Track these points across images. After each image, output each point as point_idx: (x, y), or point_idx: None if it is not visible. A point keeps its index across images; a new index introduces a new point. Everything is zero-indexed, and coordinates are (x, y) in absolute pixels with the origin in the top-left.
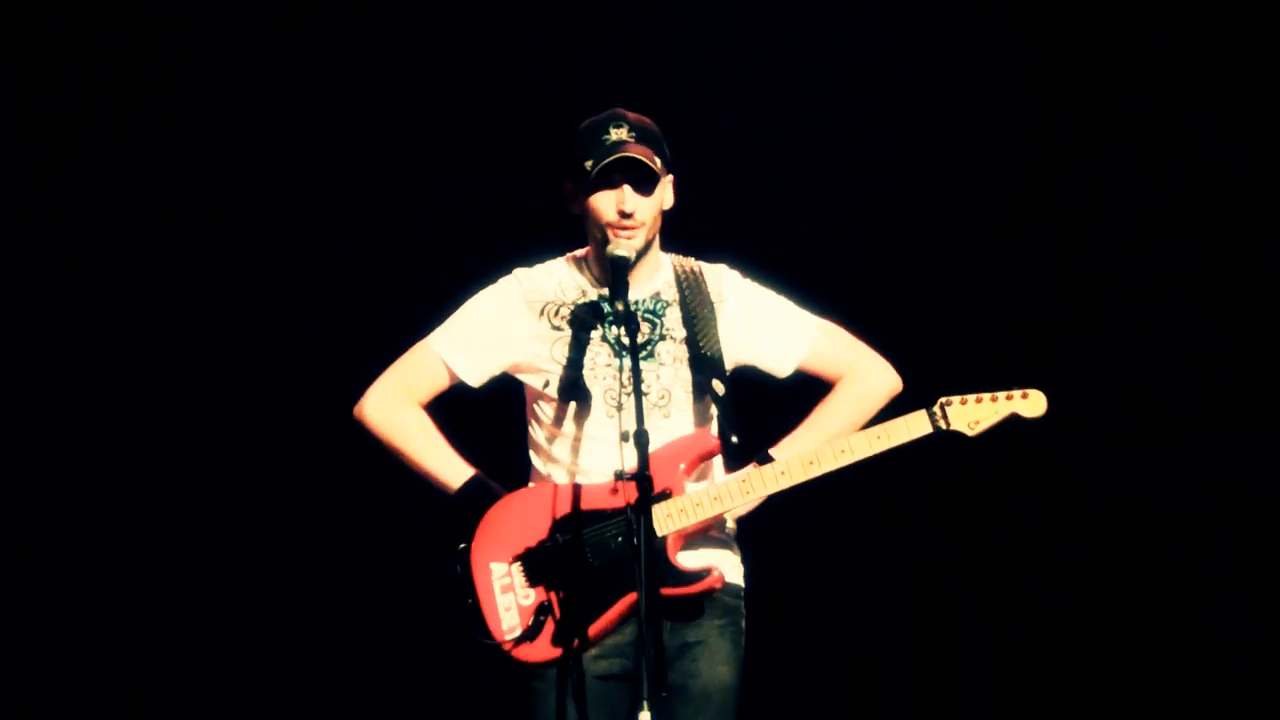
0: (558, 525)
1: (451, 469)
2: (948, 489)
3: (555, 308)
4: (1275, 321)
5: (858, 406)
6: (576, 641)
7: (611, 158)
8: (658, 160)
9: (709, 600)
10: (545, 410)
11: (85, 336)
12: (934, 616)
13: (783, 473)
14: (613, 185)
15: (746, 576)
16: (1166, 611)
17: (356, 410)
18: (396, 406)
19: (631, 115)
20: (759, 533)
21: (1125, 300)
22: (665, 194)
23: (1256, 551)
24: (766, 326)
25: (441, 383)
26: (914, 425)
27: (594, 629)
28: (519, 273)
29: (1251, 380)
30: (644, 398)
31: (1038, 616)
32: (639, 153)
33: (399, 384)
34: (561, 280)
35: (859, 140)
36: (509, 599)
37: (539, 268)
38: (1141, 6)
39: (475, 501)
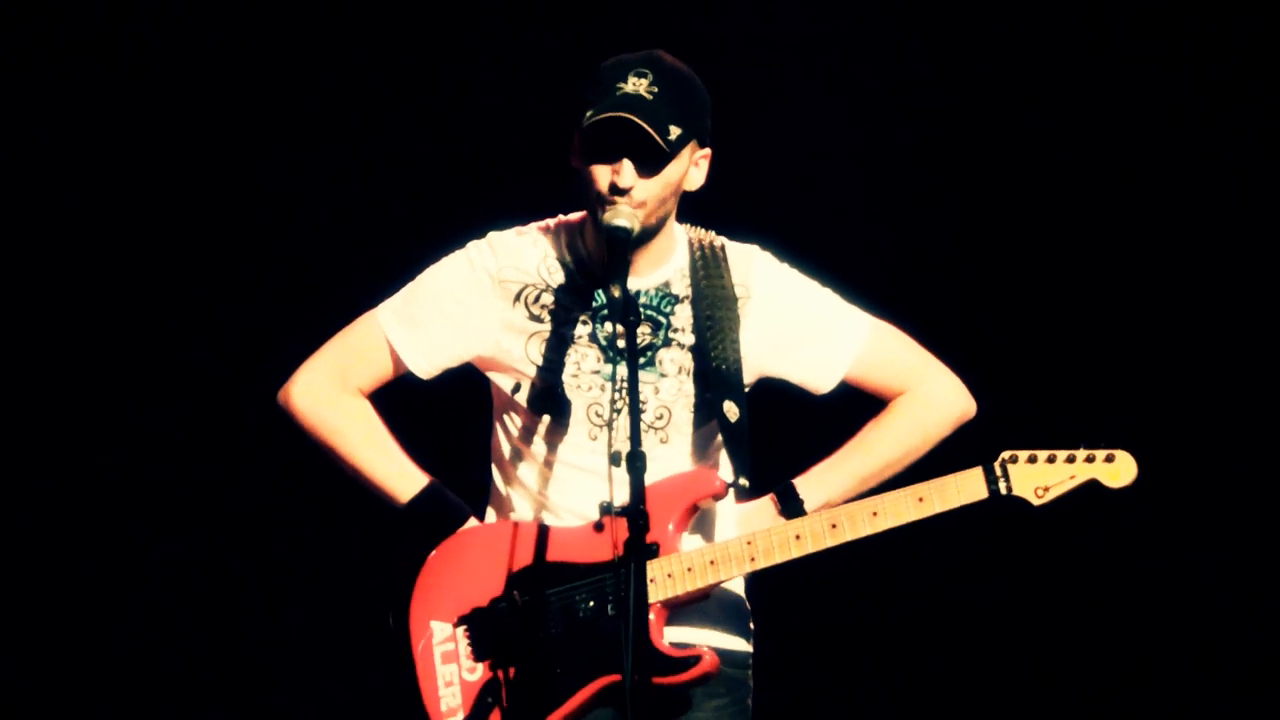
0: (515, 580)
1: (401, 476)
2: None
3: (535, 292)
4: None
5: (917, 431)
6: None
7: (604, 115)
8: (674, 130)
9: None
10: (514, 421)
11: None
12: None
13: (798, 537)
14: (612, 151)
15: (754, 639)
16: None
17: (282, 394)
18: (331, 394)
19: (668, 61)
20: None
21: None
22: (685, 172)
23: None
24: (803, 330)
25: (385, 370)
26: (967, 487)
27: None
28: (494, 239)
29: None
30: (638, 416)
31: (1061, 677)
32: (646, 118)
33: (335, 366)
34: (547, 254)
35: (933, 103)
36: (451, 671)
37: (521, 234)
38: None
39: (431, 518)
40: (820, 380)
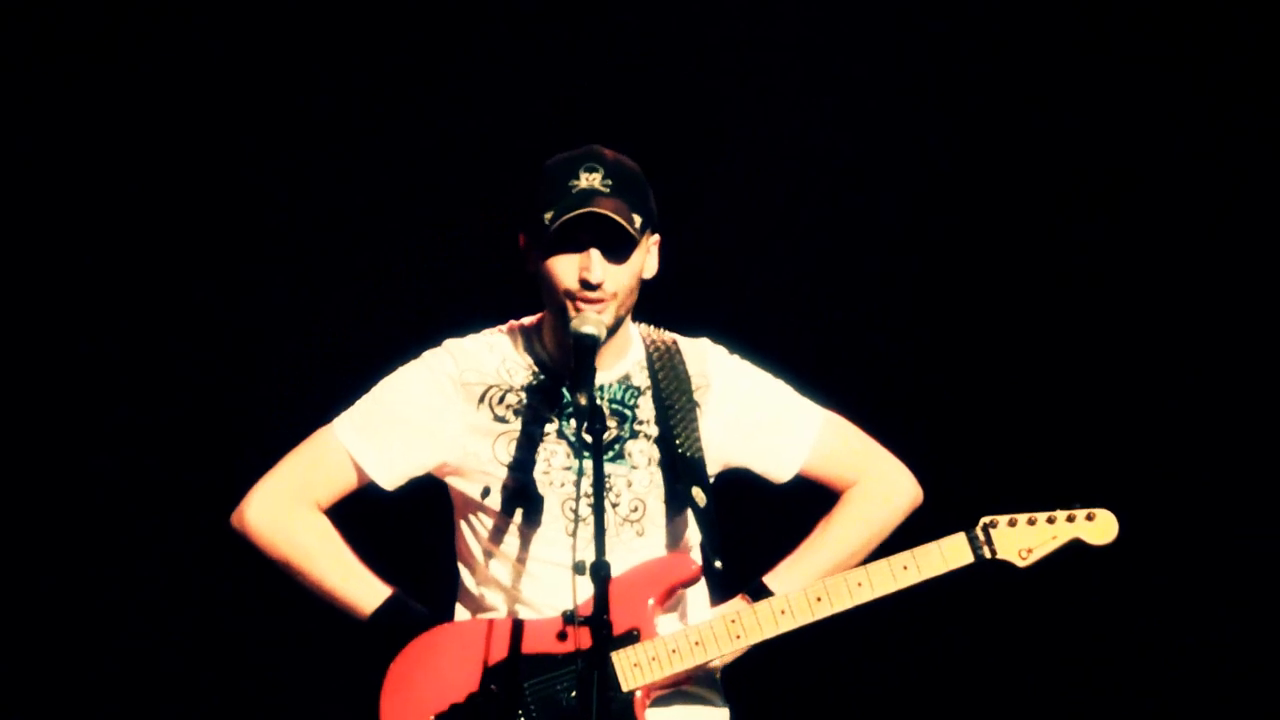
0: (493, 673)
1: (362, 589)
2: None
3: (500, 393)
4: None
5: (873, 521)
6: None
7: (575, 213)
8: (637, 219)
9: None
10: (483, 522)
11: None
12: None
13: (783, 611)
14: (577, 246)
15: None
16: None
17: (235, 517)
18: (287, 512)
19: (610, 155)
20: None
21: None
22: (645, 260)
23: None
24: (761, 420)
25: (347, 482)
26: (951, 553)
27: None
28: (450, 345)
29: None
30: (612, 510)
31: None
32: (612, 209)
33: (292, 483)
34: (506, 357)
35: (870, 183)
36: None
37: (476, 339)
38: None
39: (395, 629)
40: (780, 470)
